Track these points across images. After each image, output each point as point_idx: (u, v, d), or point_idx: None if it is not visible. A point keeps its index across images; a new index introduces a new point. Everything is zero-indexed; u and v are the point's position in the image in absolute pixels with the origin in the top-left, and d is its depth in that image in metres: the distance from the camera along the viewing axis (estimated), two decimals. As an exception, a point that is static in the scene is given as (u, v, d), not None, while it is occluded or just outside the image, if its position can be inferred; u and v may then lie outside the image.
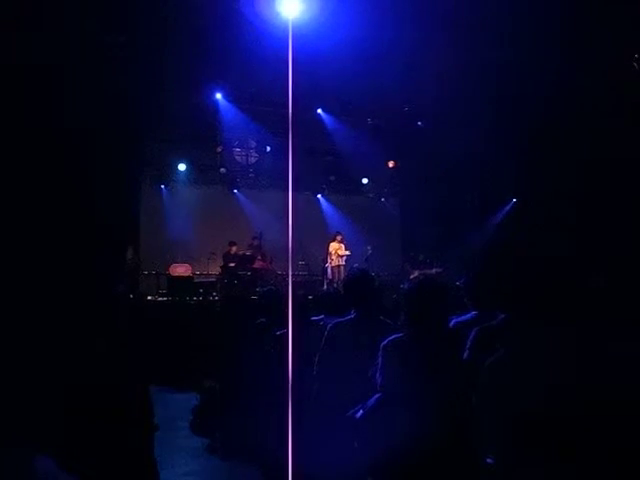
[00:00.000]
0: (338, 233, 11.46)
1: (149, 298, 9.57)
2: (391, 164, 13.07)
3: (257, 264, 11.00)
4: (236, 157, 12.73)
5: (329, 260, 11.28)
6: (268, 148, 12.12)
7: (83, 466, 2.00)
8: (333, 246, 11.29)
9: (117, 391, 2.26)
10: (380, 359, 2.56)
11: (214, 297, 9.90)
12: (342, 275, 10.63)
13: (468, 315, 2.98)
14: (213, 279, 11.14)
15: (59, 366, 2.14)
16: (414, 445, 2.35)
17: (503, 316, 2.63)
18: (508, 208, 12.64)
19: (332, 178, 13.13)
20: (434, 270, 11.08)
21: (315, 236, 12.12)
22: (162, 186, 12.21)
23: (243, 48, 8.38)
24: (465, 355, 2.58)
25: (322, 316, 3.71)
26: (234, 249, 10.98)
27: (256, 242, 11.22)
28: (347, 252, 11.28)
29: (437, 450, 2.33)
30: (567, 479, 1.74)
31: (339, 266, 11.17)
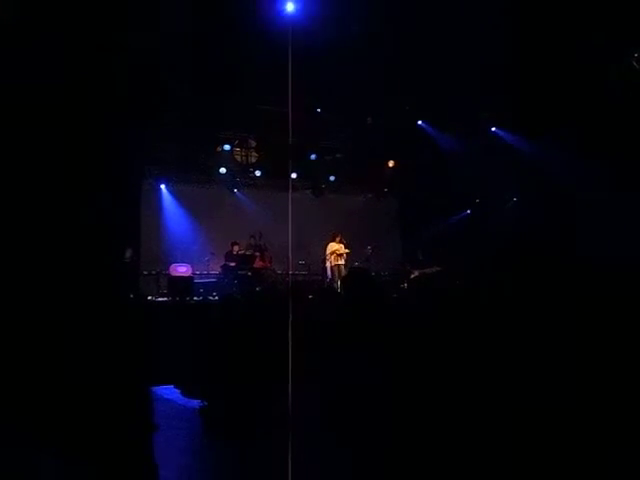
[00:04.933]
0: (336, 233, 11.41)
1: (149, 298, 9.57)
2: (391, 164, 13.07)
3: (257, 264, 11.02)
4: (236, 157, 12.73)
5: (328, 260, 11.26)
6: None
7: (82, 466, 2.01)
8: (332, 246, 11.27)
9: (116, 390, 2.26)
10: (378, 356, 2.57)
11: (214, 297, 9.91)
12: (342, 274, 10.63)
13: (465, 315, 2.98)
14: (213, 279, 11.15)
15: (59, 365, 2.14)
16: (414, 446, 2.36)
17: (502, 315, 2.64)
18: (508, 208, 12.64)
19: (332, 178, 13.13)
20: (434, 269, 11.08)
21: (315, 236, 12.12)
22: (162, 185, 12.22)
23: (243, 48, 8.38)
24: (461, 354, 2.59)
25: (320, 316, 3.71)
26: (236, 249, 11.00)
27: (253, 241, 11.22)
28: (347, 250, 11.24)
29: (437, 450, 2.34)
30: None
31: (338, 265, 11.15)
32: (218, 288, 10.51)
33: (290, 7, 7.32)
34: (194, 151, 11.93)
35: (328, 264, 11.25)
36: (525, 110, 9.80)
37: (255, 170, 12.59)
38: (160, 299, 9.82)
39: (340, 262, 11.14)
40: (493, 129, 11.68)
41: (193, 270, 11.17)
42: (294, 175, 12.62)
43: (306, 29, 6.86)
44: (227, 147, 12.18)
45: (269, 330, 3.86)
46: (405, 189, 13.72)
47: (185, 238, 11.87)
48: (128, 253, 9.85)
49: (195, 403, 5.43)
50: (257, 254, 11.11)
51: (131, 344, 2.60)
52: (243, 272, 10.70)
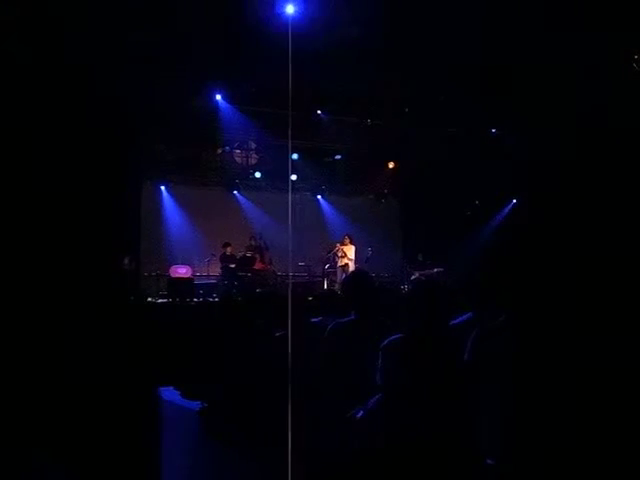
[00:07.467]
0: (346, 236, 11.31)
1: (149, 300, 9.57)
2: (391, 164, 13.06)
3: (257, 265, 11.00)
4: (236, 158, 12.74)
5: (338, 260, 11.16)
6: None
7: (87, 465, 2.00)
8: (346, 248, 11.15)
9: (121, 392, 2.26)
10: (380, 359, 2.56)
11: (214, 299, 9.90)
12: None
13: (464, 316, 2.99)
14: (213, 280, 11.14)
15: (64, 366, 2.14)
16: (414, 445, 2.35)
17: (503, 317, 2.63)
18: (508, 208, 12.63)
19: (332, 179, 13.13)
20: (434, 270, 11.07)
21: (315, 237, 12.11)
22: (162, 187, 12.22)
23: (243, 48, 8.38)
24: (465, 356, 2.58)
25: (321, 317, 3.71)
26: (229, 249, 10.99)
27: (253, 242, 11.21)
28: (352, 258, 11.13)
29: (437, 450, 2.33)
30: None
31: (346, 265, 11.03)
32: (218, 289, 10.50)
33: (290, 9, 7.32)
34: (194, 153, 11.93)
35: (338, 264, 11.19)
36: (524, 110, 9.79)
37: (255, 172, 12.60)
38: (160, 300, 9.81)
39: (349, 262, 11.05)
40: (493, 130, 11.68)
41: (193, 271, 11.16)
42: (294, 177, 12.63)
43: (306, 30, 6.88)
44: (227, 149, 12.20)
45: (269, 332, 3.85)
46: (405, 190, 13.71)
47: (185, 239, 11.86)
48: (127, 259, 9.82)
49: (195, 405, 5.43)
50: (257, 256, 11.09)
51: (131, 346, 2.60)
52: (243, 274, 10.69)
